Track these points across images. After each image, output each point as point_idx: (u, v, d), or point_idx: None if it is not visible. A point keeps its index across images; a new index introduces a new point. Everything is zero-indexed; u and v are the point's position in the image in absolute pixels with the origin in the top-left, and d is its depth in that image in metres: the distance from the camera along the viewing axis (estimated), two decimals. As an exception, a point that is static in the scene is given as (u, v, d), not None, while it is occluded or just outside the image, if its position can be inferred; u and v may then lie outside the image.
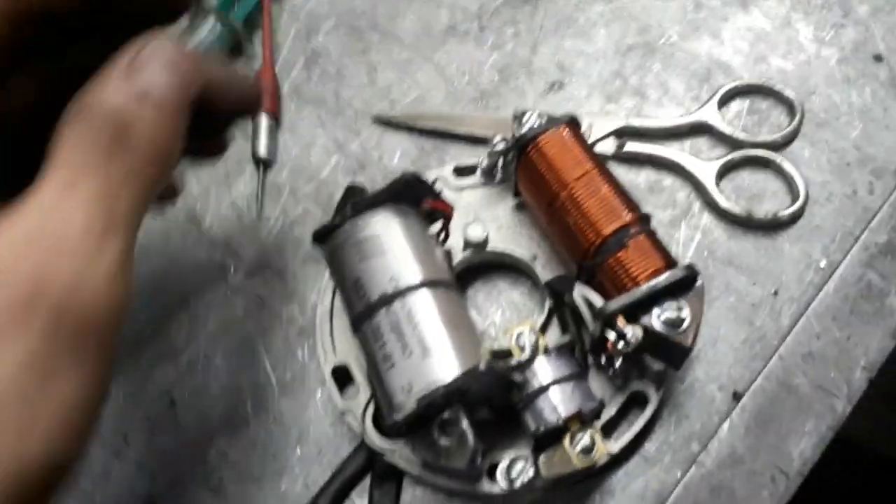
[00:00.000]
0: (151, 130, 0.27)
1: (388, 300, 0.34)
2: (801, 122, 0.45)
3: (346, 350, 0.40)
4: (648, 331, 0.34)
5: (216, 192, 0.48)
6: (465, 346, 0.33)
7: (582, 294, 0.36)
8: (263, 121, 0.49)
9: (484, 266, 0.43)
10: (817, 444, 0.38)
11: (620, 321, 0.34)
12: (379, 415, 0.38)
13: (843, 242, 0.42)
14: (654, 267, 0.35)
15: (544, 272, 0.41)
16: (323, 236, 0.37)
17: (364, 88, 0.51)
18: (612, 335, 0.35)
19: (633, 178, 0.45)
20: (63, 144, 0.26)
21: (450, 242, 0.41)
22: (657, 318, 0.34)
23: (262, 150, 0.48)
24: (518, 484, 0.35)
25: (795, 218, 0.43)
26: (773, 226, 0.43)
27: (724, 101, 0.47)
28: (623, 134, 0.46)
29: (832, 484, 0.40)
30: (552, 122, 0.39)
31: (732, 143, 0.45)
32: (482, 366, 0.33)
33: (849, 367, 0.39)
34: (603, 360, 0.37)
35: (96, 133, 0.26)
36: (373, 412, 0.38)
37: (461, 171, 0.45)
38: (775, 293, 0.41)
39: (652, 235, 0.36)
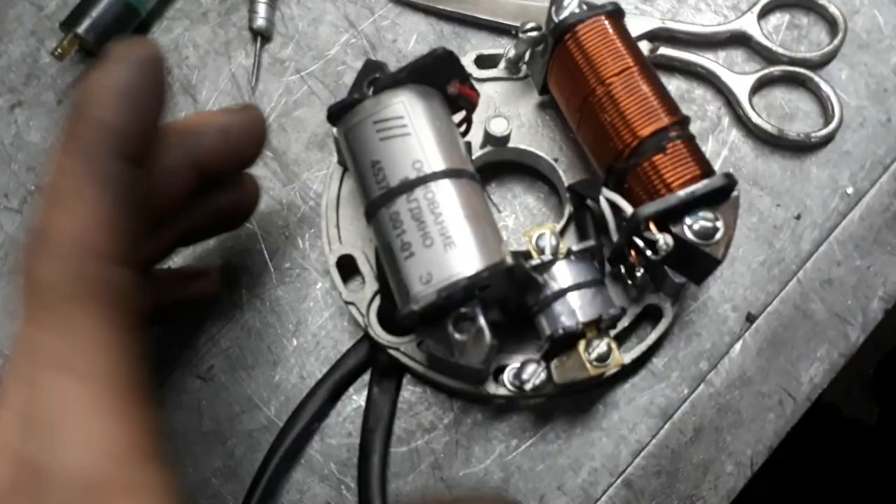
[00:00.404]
0: None
1: (409, 186, 0.32)
2: (842, 42, 0.43)
3: (352, 241, 0.38)
4: (679, 240, 0.32)
5: (214, 62, 0.44)
6: (488, 240, 0.31)
7: (609, 198, 0.34)
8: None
9: (500, 166, 0.41)
10: (828, 370, 0.37)
11: (652, 228, 0.32)
12: (385, 309, 0.36)
13: (872, 170, 0.41)
14: (691, 174, 0.33)
15: (565, 176, 0.39)
16: (339, 113, 0.34)
17: (380, -37, 0.47)
18: (640, 242, 0.33)
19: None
20: None
21: (469, 137, 0.39)
22: (689, 228, 0.32)
23: (260, 20, 0.44)
24: (529, 386, 0.34)
25: (826, 141, 0.41)
26: (803, 147, 0.41)
27: (765, 13, 0.44)
28: (656, 37, 0.43)
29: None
30: (593, 9, 0.36)
31: (769, 58, 0.43)
32: (509, 260, 0.31)
33: (866, 296, 0.39)
34: (622, 269, 0.36)
35: None
36: (378, 306, 0.37)
37: (483, 62, 0.42)
38: (798, 217, 0.40)
39: (691, 141, 0.34)
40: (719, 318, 0.38)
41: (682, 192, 0.32)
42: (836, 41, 0.43)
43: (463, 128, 0.36)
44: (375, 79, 0.34)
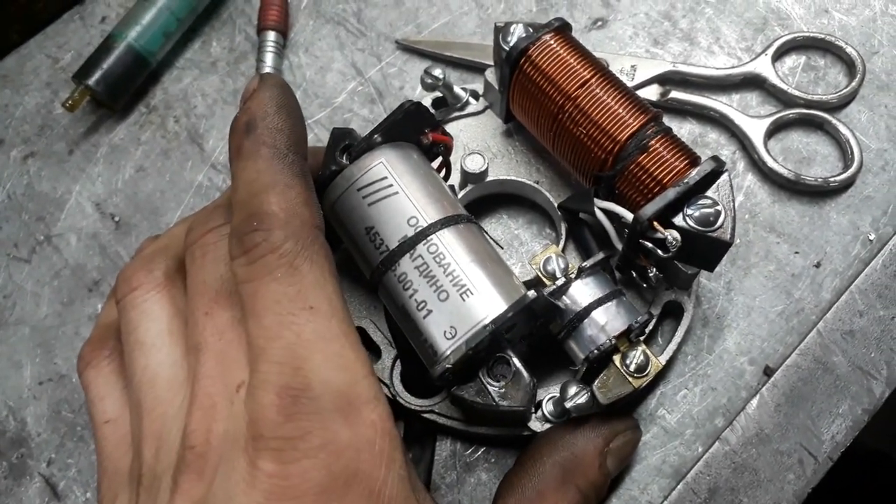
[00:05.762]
0: None
1: (410, 244, 0.31)
2: (860, 84, 0.42)
3: (356, 312, 0.37)
4: (685, 232, 0.31)
5: (222, 110, 0.44)
6: (501, 279, 0.31)
7: (604, 208, 0.34)
8: (270, 39, 0.44)
9: (483, 201, 0.41)
10: (851, 427, 0.35)
11: (657, 227, 0.31)
12: (409, 373, 0.35)
13: (895, 215, 0.39)
14: (679, 165, 0.33)
15: (551, 196, 0.39)
16: (320, 188, 0.33)
17: (389, 9, 0.47)
18: (648, 244, 0.32)
19: (676, 130, 0.41)
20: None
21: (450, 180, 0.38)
22: (690, 217, 0.32)
23: (267, 68, 0.44)
24: (570, 405, 0.32)
25: (846, 185, 0.40)
26: (822, 192, 0.40)
27: (780, 55, 0.43)
28: (668, 81, 0.42)
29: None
30: (539, 30, 0.36)
31: (785, 101, 0.42)
32: (531, 294, 0.30)
33: (891, 347, 0.37)
34: (634, 274, 0.35)
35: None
36: (400, 371, 0.36)
37: (439, 104, 0.42)
38: (818, 264, 0.39)
39: (669, 133, 0.34)
40: (735, 372, 0.37)
41: (677, 186, 0.31)
42: (854, 83, 0.42)
43: (443, 173, 0.36)
44: (348, 146, 0.33)
